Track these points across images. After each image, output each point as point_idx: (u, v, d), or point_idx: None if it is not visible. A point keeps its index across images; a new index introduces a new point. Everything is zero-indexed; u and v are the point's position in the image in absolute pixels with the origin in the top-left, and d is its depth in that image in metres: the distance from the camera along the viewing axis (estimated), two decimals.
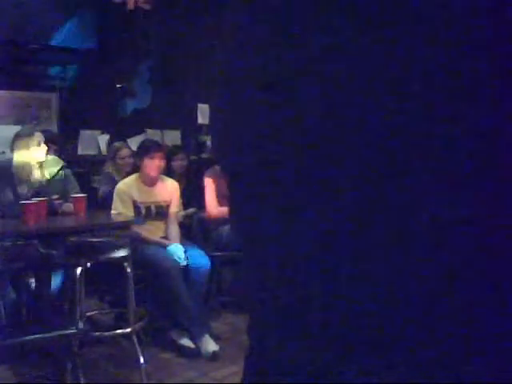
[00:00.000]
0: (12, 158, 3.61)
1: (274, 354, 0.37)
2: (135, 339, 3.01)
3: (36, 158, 3.53)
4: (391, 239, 0.30)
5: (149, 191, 3.66)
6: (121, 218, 3.45)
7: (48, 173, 3.70)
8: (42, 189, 3.50)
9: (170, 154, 4.29)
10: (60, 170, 3.80)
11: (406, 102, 0.29)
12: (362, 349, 0.32)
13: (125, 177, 3.86)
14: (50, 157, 3.89)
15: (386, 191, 0.30)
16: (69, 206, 3.54)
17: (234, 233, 0.44)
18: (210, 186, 4.00)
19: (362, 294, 0.32)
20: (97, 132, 5.60)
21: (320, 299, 0.33)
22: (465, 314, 0.30)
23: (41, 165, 3.61)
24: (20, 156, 3.53)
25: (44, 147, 3.58)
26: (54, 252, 3.02)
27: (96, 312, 3.55)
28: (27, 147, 3.50)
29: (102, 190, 4.01)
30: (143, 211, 3.62)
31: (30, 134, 3.56)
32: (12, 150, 3.60)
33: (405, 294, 0.31)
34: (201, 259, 3.50)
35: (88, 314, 3.26)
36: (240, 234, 0.42)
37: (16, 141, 3.55)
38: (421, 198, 0.29)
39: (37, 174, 3.57)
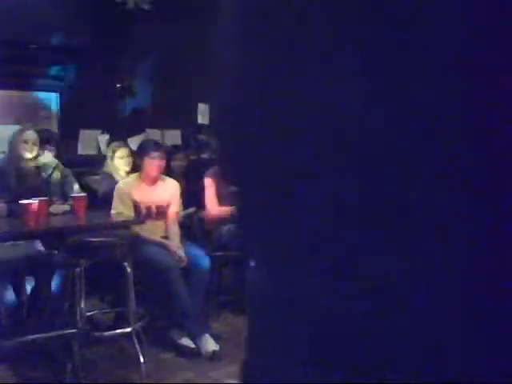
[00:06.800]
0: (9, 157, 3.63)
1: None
2: (135, 339, 3.01)
3: (26, 157, 3.54)
4: (393, 241, 0.30)
5: (149, 191, 3.65)
6: (121, 218, 3.45)
7: (45, 173, 3.70)
8: (38, 188, 3.50)
9: (170, 154, 4.29)
10: (55, 169, 3.80)
11: (410, 102, 0.29)
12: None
13: (125, 177, 3.86)
14: (47, 156, 3.90)
15: (388, 194, 0.30)
16: (57, 208, 3.53)
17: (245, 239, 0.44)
18: (210, 185, 4.00)
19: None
20: (97, 132, 5.60)
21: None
22: (469, 317, 0.30)
23: (35, 164, 3.61)
24: (13, 154, 3.56)
25: (35, 146, 3.57)
26: (54, 252, 3.02)
27: (96, 312, 3.55)
28: (17, 146, 3.52)
29: (102, 189, 4.01)
30: (143, 211, 3.62)
31: (21, 133, 3.57)
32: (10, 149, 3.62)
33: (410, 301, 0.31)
34: (201, 259, 3.50)
35: (88, 313, 3.26)
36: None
37: (11, 140, 3.57)
38: (423, 199, 0.29)
39: (31, 174, 3.58)
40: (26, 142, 3.53)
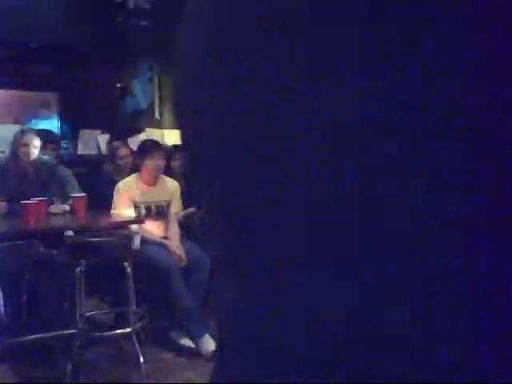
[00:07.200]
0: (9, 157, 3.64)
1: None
2: (135, 339, 3.01)
3: (26, 157, 3.55)
4: (389, 244, 0.30)
5: (149, 191, 3.66)
6: (121, 218, 3.45)
7: (45, 173, 3.71)
8: (38, 188, 3.51)
9: (170, 154, 4.29)
10: (55, 169, 3.80)
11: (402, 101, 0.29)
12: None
13: (124, 176, 3.86)
14: (47, 156, 3.90)
15: (388, 194, 0.30)
16: (57, 208, 3.53)
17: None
18: None
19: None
20: (97, 132, 5.61)
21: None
22: (463, 317, 0.30)
23: (36, 164, 3.62)
24: (14, 155, 3.58)
25: (35, 147, 3.58)
26: (54, 252, 3.02)
27: (96, 312, 3.55)
28: (18, 147, 3.53)
29: (102, 189, 4.01)
30: (143, 211, 3.62)
31: (21, 133, 3.58)
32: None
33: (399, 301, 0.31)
34: (201, 259, 3.50)
35: (88, 313, 3.26)
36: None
37: (12, 140, 3.60)
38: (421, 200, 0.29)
39: (31, 174, 3.59)
40: (26, 142, 3.54)
